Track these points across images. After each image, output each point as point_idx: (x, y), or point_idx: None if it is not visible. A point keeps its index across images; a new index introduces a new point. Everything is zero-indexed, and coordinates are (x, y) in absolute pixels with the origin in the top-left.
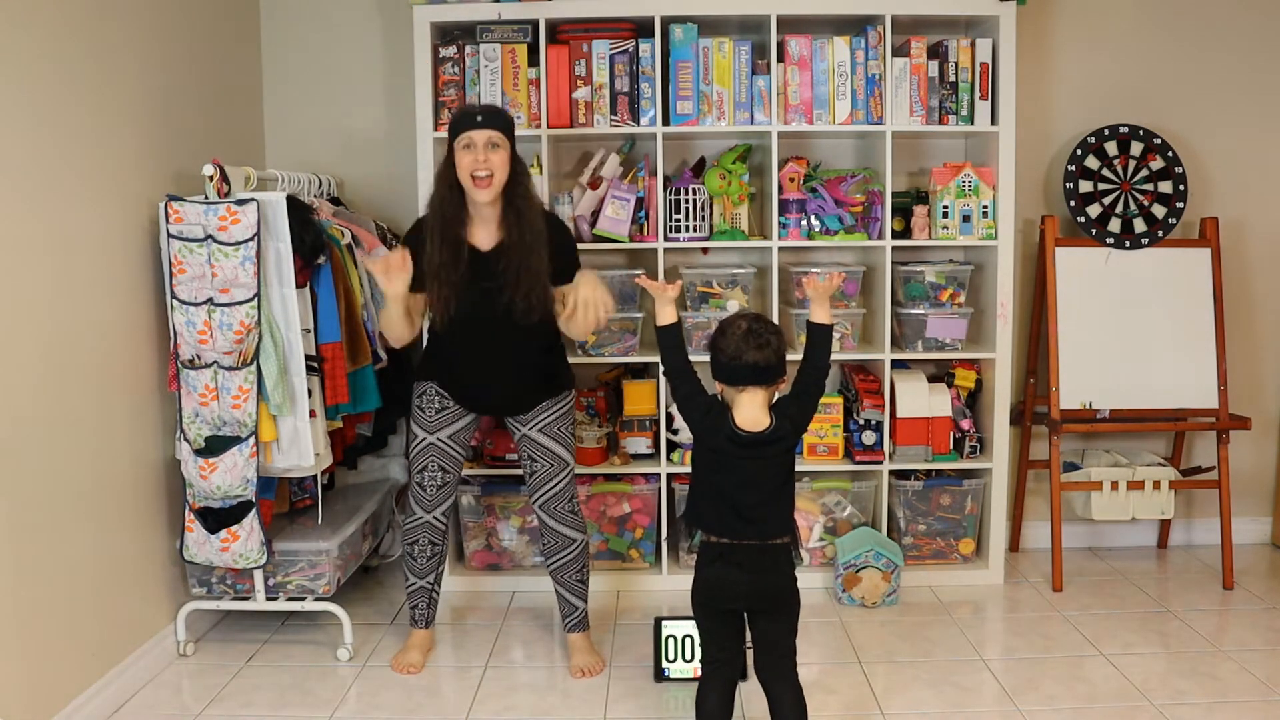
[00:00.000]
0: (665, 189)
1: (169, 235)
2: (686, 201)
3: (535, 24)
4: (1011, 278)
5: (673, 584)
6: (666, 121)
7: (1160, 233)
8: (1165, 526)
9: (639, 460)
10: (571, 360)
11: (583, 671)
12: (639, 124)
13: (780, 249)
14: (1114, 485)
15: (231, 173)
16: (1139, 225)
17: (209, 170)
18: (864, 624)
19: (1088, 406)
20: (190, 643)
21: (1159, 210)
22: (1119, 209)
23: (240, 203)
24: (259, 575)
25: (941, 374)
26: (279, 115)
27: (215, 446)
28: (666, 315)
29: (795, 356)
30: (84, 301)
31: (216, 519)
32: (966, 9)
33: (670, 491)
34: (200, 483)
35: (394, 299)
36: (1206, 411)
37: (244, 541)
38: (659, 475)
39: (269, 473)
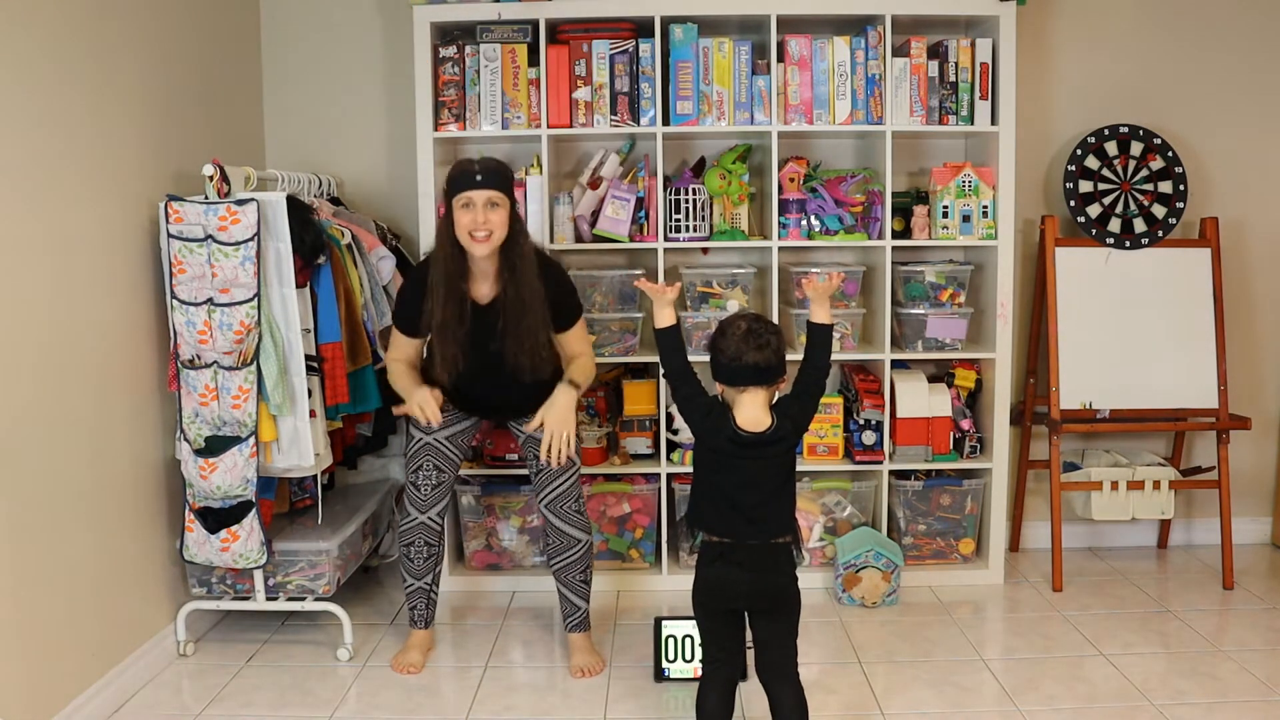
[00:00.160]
0: (665, 189)
1: (169, 235)
2: (686, 201)
3: (535, 24)
4: (1011, 278)
5: (673, 584)
6: (666, 121)
7: (1160, 233)
8: (1165, 526)
9: (639, 460)
10: None
11: (583, 671)
12: (639, 124)
13: (780, 249)
14: (1114, 485)
15: (231, 173)
16: (1139, 225)
17: (209, 170)
18: (864, 624)
19: (1088, 406)
20: (190, 643)
21: (1159, 210)
22: (1119, 209)
23: (240, 203)
24: (259, 575)
25: (941, 374)
26: (279, 115)
27: (215, 446)
28: (665, 317)
29: (795, 357)
30: (84, 301)
31: (216, 519)
32: (966, 9)
33: (670, 491)
34: (200, 483)
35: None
36: (1206, 411)
37: (244, 541)
38: (659, 475)
39: (269, 473)
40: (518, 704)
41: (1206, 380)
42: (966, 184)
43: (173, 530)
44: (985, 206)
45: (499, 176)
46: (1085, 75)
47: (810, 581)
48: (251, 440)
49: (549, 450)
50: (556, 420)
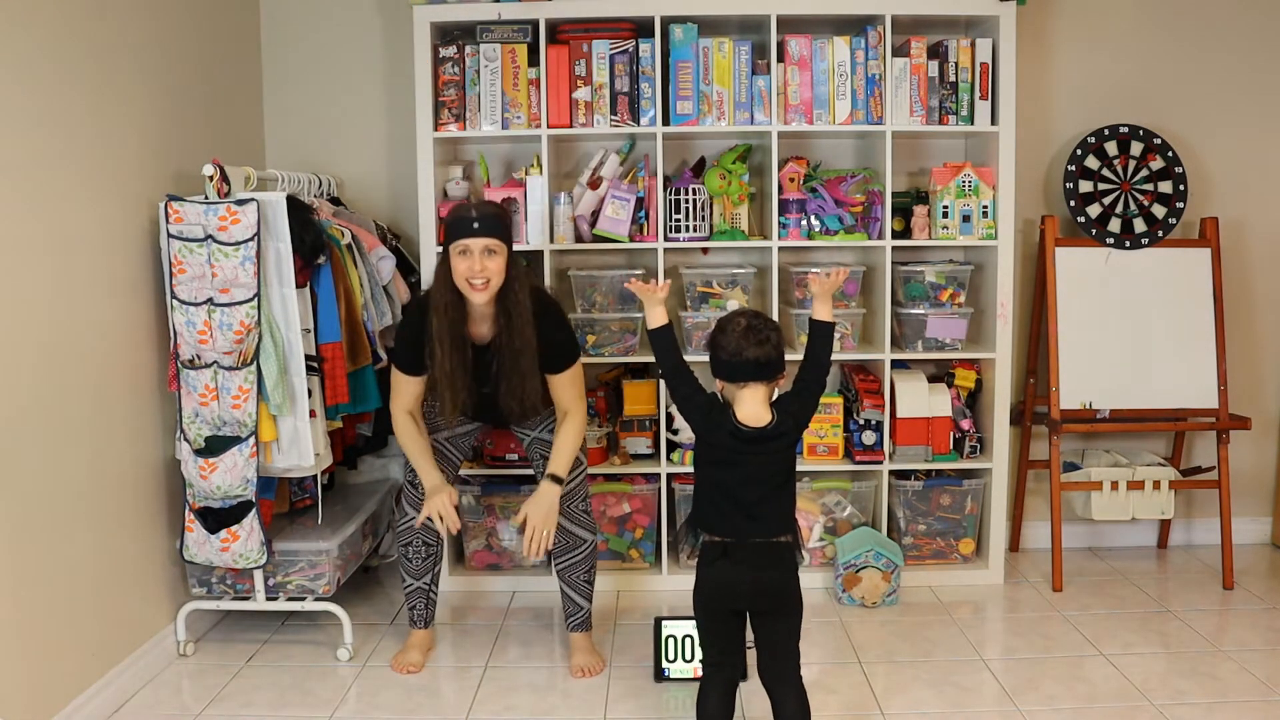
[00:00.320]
0: (665, 189)
1: (169, 235)
2: (686, 201)
3: (535, 24)
4: (1011, 278)
5: (673, 584)
6: (666, 121)
7: (1160, 233)
8: (1165, 526)
9: (639, 460)
10: None
11: (583, 670)
12: (639, 124)
13: (780, 249)
14: (1114, 485)
15: (231, 173)
16: (1139, 225)
17: (209, 170)
18: (864, 624)
19: (1088, 406)
20: (190, 643)
21: (1159, 210)
22: (1119, 209)
23: (240, 203)
24: (259, 575)
25: (941, 374)
26: (279, 115)
27: (215, 446)
28: (657, 317)
29: (795, 356)
30: (84, 301)
31: (216, 519)
32: (966, 9)
33: (670, 491)
34: (200, 483)
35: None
36: (1206, 411)
37: (244, 541)
38: (659, 475)
39: (269, 473)
40: (518, 704)
41: (1206, 380)
42: (966, 184)
43: (173, 530)
44: (985, 206)
45: (496, 223)
46: (1085, 75)
47: (810, 581)
48: (251, 440)
49: (529, 544)
50: (540, 518)
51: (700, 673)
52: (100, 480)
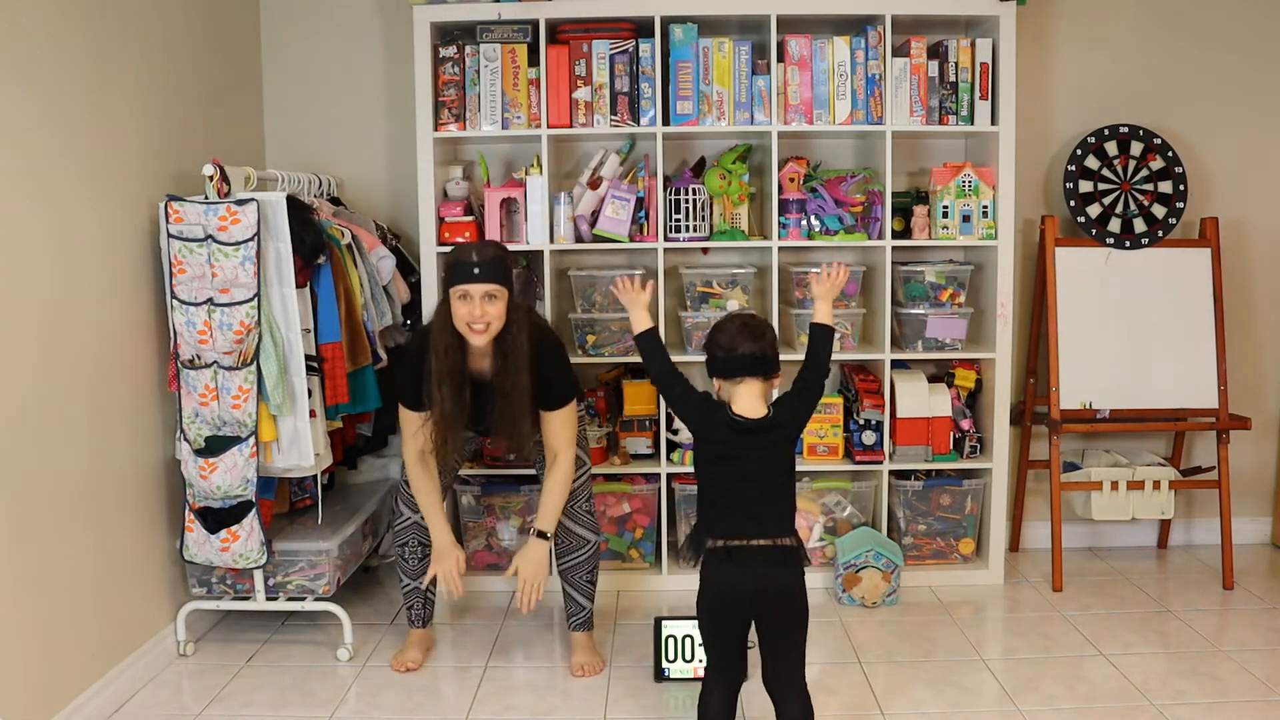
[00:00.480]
0: (665, 189)
1: (169, 235)
2: (686, 201)
3: (535, 24)
4: (1011, 278)
5: (673, 584)
6: (666, 121)
7: (1160, 233)
8: (1165, 526)
9: (639, 460)
10: (572, 360)
11: (583, 669)
12: (639, 124)
13: (780, 249)
14: (1114, 485)
15: (231, 173)
16: (1139, 225)
17: (209, 170)
18: (864, 624)
19: (1088, 406)
20: (190, 643)
21: (1159, 210)
22: (1119, 209)
23: (240, 203)
24: (259, 575)
25: (941, 374)
26: (279, 115)
27: (215, 446)
28: (641, 321)
29: (795, 356)
30: (84, 301)
31: (216, 519)
32: (966, 9)
33: (670, 491)
34: (200, 483)
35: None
36: (1206, 411)
37: (244, 541)
38: (659, 475)
39: (269, 473)
40: (518, 704)
41: (1206, 380)
42: (966, 184)
43: (173, 530)
44: (985, 206)
45: (498, 267)
46: (1085, 75)
47: (810, 581)
48: (251, 440)
49: (522, 599)
50: (531, 572)
51: (700, 673)
52: (100, 480)
